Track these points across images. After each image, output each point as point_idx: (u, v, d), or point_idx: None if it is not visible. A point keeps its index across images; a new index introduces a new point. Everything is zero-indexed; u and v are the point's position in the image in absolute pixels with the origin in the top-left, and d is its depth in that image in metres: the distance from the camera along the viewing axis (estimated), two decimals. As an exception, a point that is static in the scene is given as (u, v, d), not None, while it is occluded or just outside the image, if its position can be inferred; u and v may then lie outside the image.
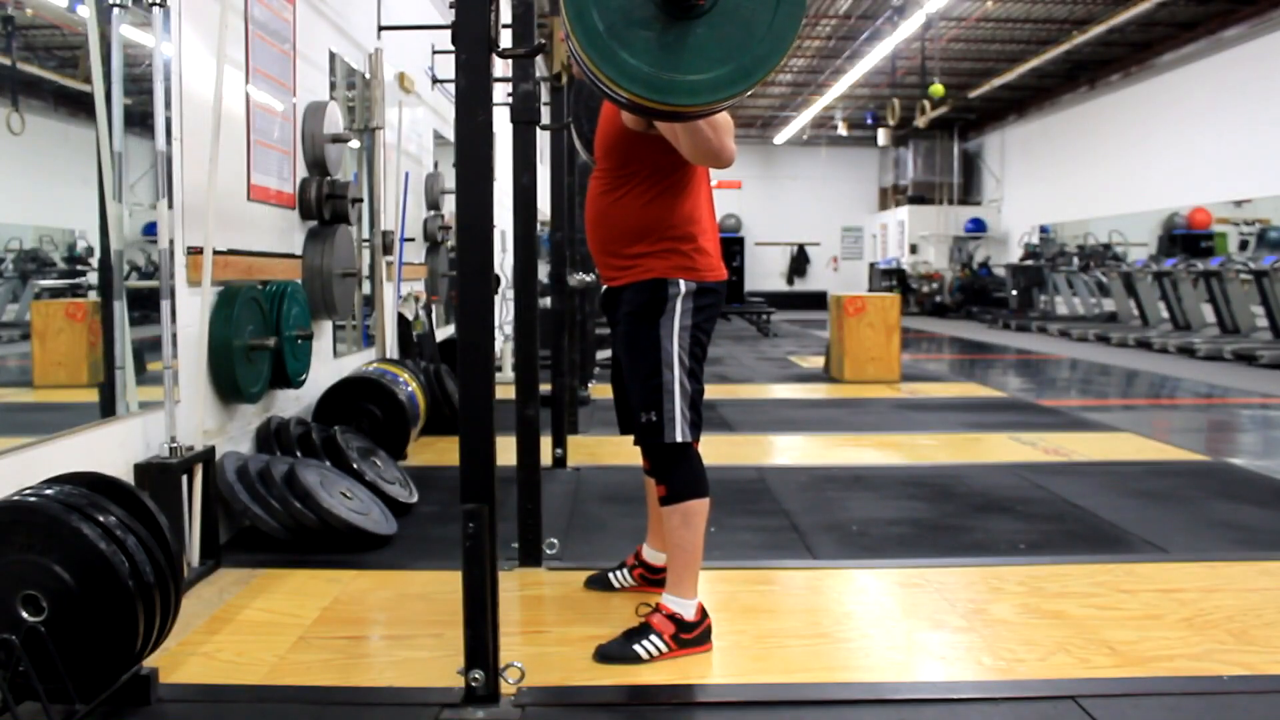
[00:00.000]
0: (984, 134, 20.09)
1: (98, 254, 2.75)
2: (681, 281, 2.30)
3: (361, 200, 4.61)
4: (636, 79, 1.84)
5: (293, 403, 3.86)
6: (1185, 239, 12.36)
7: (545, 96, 5.23)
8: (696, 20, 1.82)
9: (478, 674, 1.93)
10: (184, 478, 2.70)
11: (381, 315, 4.99)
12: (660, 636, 2.20)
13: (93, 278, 2.88)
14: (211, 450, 2.88)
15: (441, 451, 4.66)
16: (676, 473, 2.28)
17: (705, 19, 1.83)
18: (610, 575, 2.69)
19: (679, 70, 1.84)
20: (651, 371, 2.27)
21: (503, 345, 7.33)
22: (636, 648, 2.19)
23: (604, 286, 2.51)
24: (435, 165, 6.54)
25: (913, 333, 14.18)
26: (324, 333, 4.23)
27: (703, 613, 2.27)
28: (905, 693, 2.07)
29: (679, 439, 2.25)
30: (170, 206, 2.78)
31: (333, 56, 4.42)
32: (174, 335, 2.75)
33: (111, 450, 2.57)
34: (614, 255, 2.37)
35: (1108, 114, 15.09)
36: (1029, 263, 15.81)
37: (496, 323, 2.35)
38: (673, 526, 2.28)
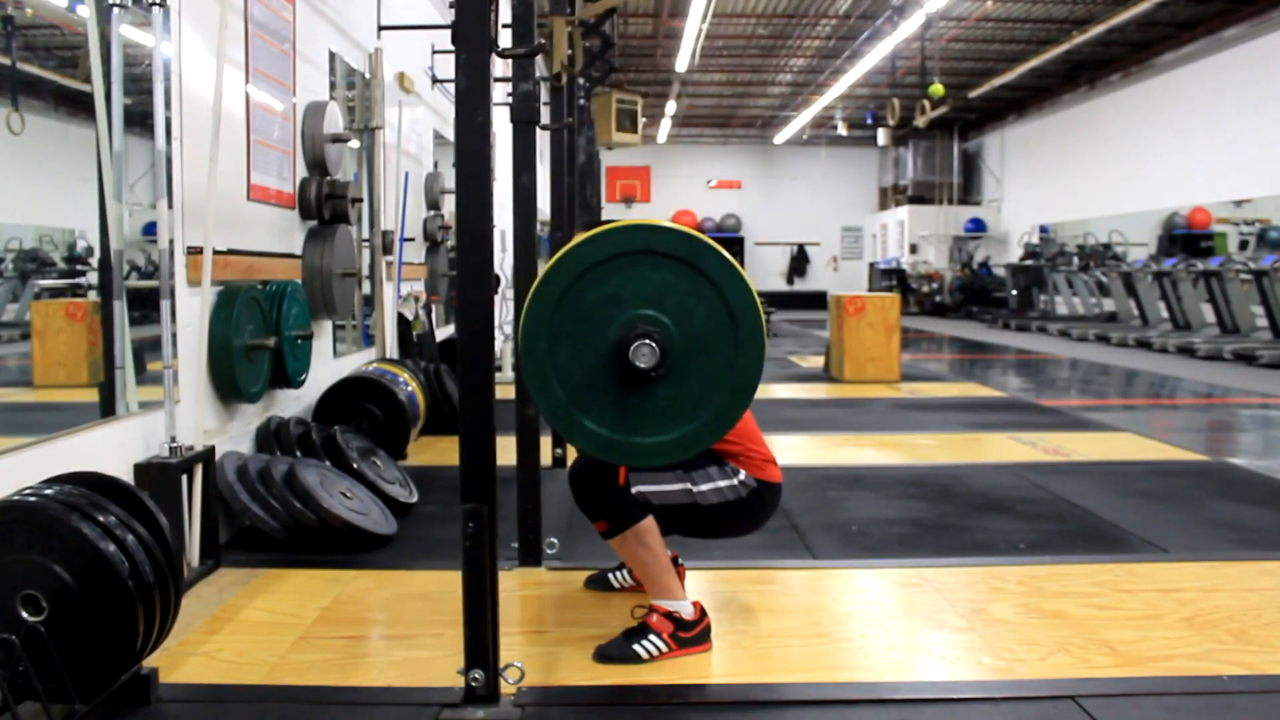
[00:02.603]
0: (984, 134, 20.08)
1: (98, 254, 2.75)
2: (742, 471, 2.30)
3: (361, 200, 4.61)
4: (597, 444, 1.91)
5: (293, 402, 3.86)
6: (1185, 239, 12.35)
7: (545, 96, 5.23)
8: (656, 382, 1.87)
9: (478, 674, 1.93)
10: (184, 478, 2.70)
11: (381, 315, 4.99)
12: (660, 636, 2.20)
13: (93, 277, 2.88)
14: (211, 450, 2.88)
15: (441, 451, 4.66)
16: (614, 501, 2.22)
17: (665, 381, 1.87)
18: (610, 575, 2.69)
19: (638, 433, 1.90)
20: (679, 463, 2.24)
21: (503, 345, 7.33)
22: (636, 647, 2.19)
23: None
24: (435, 165, 6.53)
25: (913, 333, 14.18)
26: (324, 332, 4.23)
27: (701, 612, 2.27)
28: (905, 692, 2.07)
29: (634, 490, 2.22)
30: (170, 206, 2.78)
31: (333, 56, 4.42)
32: (174, 335, 2.75)
33: (111, 450, 2.57)
34: None
35: (1108, 114, 15.09)
36: (1029, 263, 15.80)
37: (496, 323, 2.35)
38: (629, 552, 2.26)
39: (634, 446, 1.90)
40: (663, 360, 1.82)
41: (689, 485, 2.26)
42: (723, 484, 2.28)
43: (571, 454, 4.32)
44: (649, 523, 2.24)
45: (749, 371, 1.88)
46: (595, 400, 1.88)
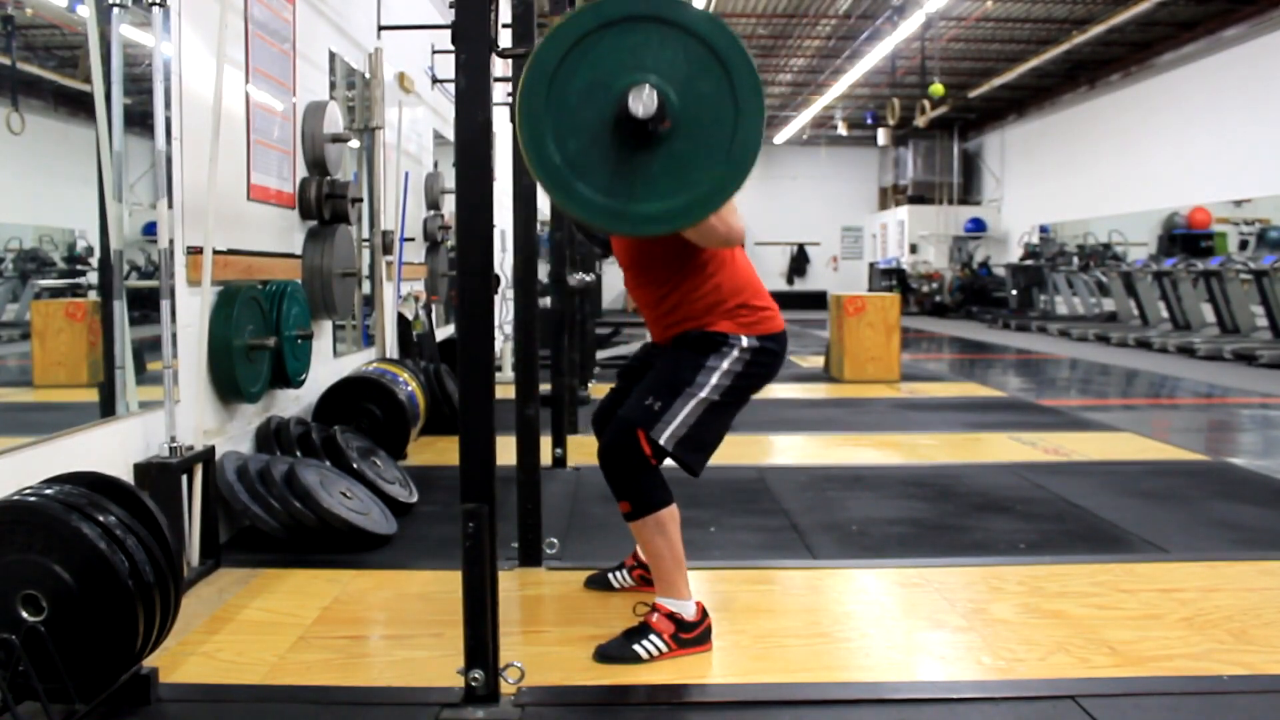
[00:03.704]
0: (984, 134, 20.09)
1: (98, 254, 2.75)
2: (744, 337, 2.28)
3: (361, 200, 4.61)
4: (594, 211, 1.84)
5: (293, 402, 3.86)
6: (1185, 239, 12.34)
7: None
8: (656, 146, 1.82)
9: (477, 674, 1.93)
10: (184, 477, 2.70)
11: (381, 315, 4.99)
12: (660, 636, 2.20)
13: (93, 277, 2.88)
14: (211, 450, 2.88)
15: (441, 451, 4.66)
16: (640, 484, 2.22)
17: (664, 146, 1.82)
18: (610, 575, 2.69)
19: (636, 200, 1.83)
20: (677, 375, 2.24)
21: (503, 345, 7.33)
22: (636, 647, 2.19)
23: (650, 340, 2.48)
24: (435, 165, 6.54)
25: (913, 332, 14.18)
26: (324, 332, 4.23)
27: (703, 613, 2.27)
28: (905, 692, 2.07)
29: (661, 440, 2.20)
30: (170, 206, 2.78)
31: (333, 56, 4.42)
32: (174, 335, 2.75)
33: (111, 450, 2.57)
34: (674, 331, 2.35)
35: (1108, 114, 15.09)
36: (1029, 262, 15.80)
37: (496, 323, 2.35)
38: (647, 538, 2.25)
39: (632, 213, 1.84)
40: (664, 111, 1.77)
41: (700, 394, 2.23)
42: (725, 365, 2.25)
43: (572, 455, 4.33)
44: (671, 511, 2.24)
45: (748, 91, 1.82)
46: (592, 165, 1.82)
